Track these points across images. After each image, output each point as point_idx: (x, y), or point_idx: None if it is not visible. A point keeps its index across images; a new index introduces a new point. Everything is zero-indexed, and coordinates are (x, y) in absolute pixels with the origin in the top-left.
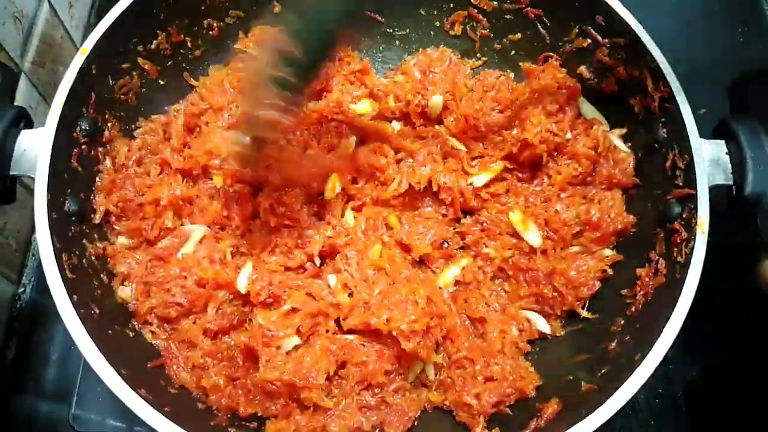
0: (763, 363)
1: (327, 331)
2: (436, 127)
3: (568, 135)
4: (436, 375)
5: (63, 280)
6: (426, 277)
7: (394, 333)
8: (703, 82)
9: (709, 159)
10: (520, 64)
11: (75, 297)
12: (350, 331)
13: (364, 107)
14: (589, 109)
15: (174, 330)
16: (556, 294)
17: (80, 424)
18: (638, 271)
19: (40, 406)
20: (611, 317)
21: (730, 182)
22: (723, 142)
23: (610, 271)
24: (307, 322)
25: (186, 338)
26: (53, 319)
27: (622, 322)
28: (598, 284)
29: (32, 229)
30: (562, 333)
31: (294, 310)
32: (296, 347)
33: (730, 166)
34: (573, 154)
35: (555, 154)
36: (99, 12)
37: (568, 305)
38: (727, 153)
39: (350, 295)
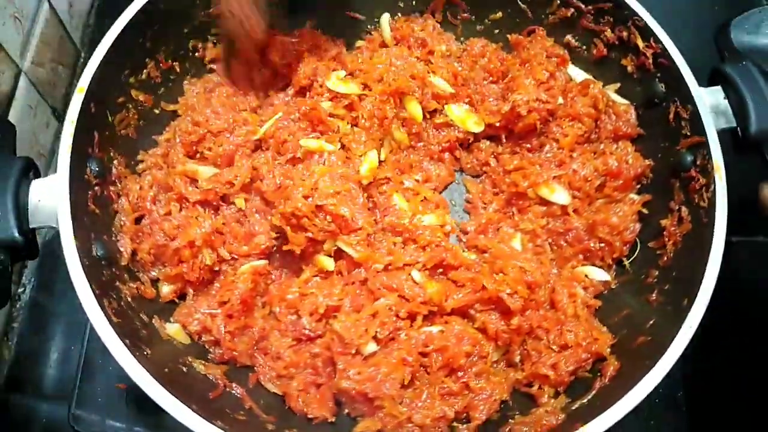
0: (763, 363)
1: (411, 325)
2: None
3: (560, 100)
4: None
5: (112, 327)
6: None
7: (506, 293)
8: (699, 73)
9: (710, 106)
10: (507, 36)
11: (127, 341)
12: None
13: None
14: (579, 74)
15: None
16: (603, 245)
17: (80, 424)
18: (662, 222)
19: (40, 406)
20: (644, 270)
21: (734, 125)
22: (720, 88)
23: (645, 210)
24: (387, 326)
25: (271, 351)
26: (53, 320)
27: (657, 273)
28: (638, 225)
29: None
30: (615, 285)
31: (374, 314)
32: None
33: (730, 110)
34: (575, 116)
35: (550, 119)
36: (99, 12)
37: (618, 252)
38: (725, 98)
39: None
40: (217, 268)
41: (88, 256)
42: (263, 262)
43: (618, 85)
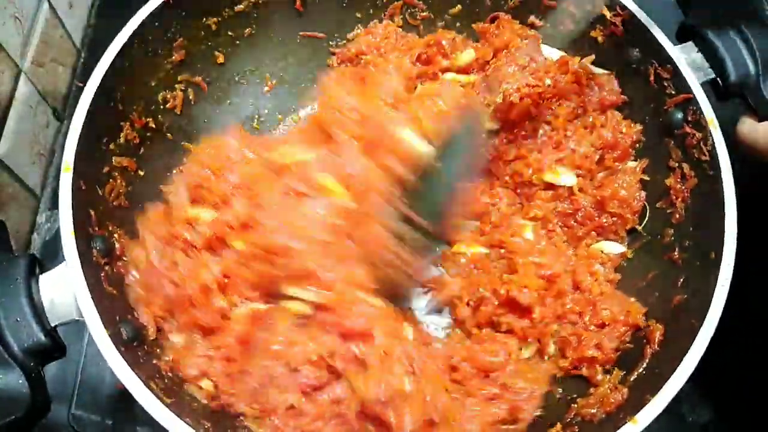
0: (763, 363)
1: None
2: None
3: (548, 81)
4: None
5: (172, 412)
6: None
7: (516, 291)
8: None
9: (686, 62)
10: (472, 26)
11: (187, 420)
12: None
13: None
14: (552, 52)
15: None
16: (615, 219)
17: (80, 425)
18: (666, 181)
19: None
20: (659, 230)
21: (712, 76)
22: (691, 43)
23: (646, 177)
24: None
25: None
26: None
27: (672, 231)
28: (644, 193)
29: (31, 230)
30: (632, 254)
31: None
32: None
33: (706, 62)
34: (561, 94)
35: (540, 102)
36: (99, 12)
37: (630, 222)
38: (698, 51)
39: None
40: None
41: (122, 343)
42: (264, 306)
43: (593, 56)
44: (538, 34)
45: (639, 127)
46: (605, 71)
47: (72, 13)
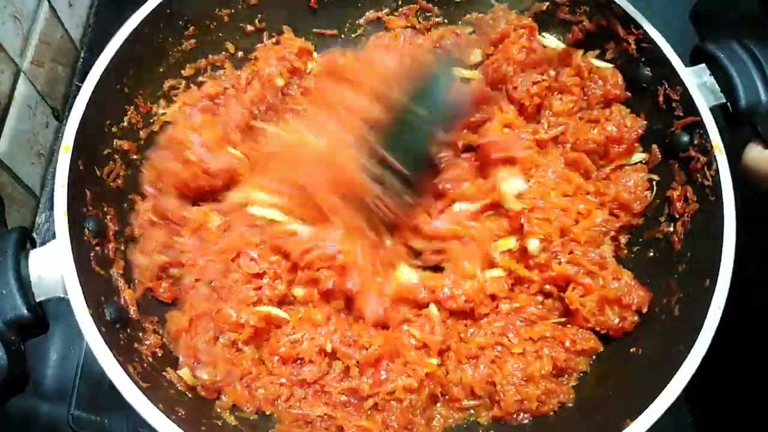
0: (763, 362)
1: None
2: None
3: (552, 72)
4: None
5: (146, 396)
6: None
7: None
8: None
9: (697, 85)
10: (466, 16)
11: (161, 406)
12: None
13: None
14: (553, 42)
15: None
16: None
17: (80, 424)
18: (667, 205)
19: (40, 406)
20: (657, 253)
21: (723, 101)
22: (704, 66)
23: (656, 177)
24: None
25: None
26: (52, 320)
27: (670, 255)
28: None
29: (31, 231)
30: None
31: None
32: None
33: (717, 86)
34: (561, 89)
35: (550, 94)
36: (98, 12)
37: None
38: (710, 75)
39: None
40: None
41: (104, 323)
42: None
43: (597, 51)
44: (534, 24)
45: (644, 121)
46: (609, 65)
47: (72, 13)
